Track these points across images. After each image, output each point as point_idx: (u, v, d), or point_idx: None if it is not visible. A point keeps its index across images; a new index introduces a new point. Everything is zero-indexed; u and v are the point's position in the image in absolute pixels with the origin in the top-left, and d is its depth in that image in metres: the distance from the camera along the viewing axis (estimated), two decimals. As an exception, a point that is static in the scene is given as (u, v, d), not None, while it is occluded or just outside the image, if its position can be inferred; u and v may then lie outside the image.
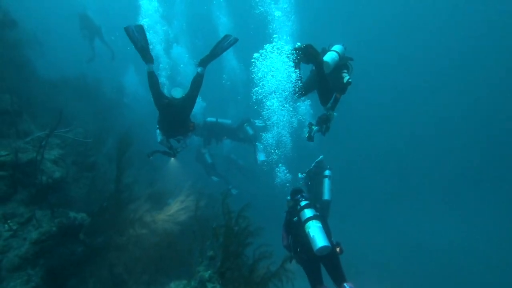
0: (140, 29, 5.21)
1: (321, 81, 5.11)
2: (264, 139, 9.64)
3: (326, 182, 7.92)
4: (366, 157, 27.29)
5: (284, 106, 7.92)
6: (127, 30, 5.15)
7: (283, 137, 9.14)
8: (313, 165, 8.61)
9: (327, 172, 8.04)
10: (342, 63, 5.39)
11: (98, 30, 12.53)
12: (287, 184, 10.01)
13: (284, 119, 8.52)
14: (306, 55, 4.82)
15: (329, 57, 5.09)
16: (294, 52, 4.84)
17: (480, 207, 20.15)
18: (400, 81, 31.49)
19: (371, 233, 16.39)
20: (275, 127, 8.76)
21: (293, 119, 8.63)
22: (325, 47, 5.53)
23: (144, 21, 10.15)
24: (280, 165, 10.14)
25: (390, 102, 31.35)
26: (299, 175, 9.03)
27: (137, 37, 5.19)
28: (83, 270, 4.72)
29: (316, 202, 7.97)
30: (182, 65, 14.52)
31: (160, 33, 10.34)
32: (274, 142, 9.43)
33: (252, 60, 5.78)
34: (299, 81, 5.35)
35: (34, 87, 8.20)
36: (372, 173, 25.07)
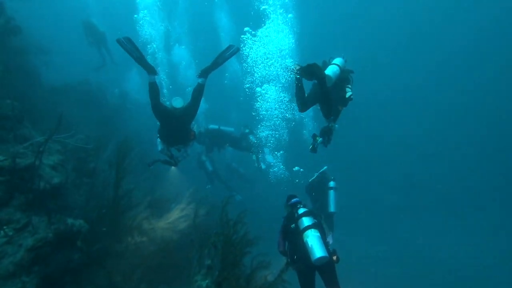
0: (129, 40, 5.20)
1: (324, 96, 5.15)
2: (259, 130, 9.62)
3: (332, 193, 7.93)
4: (370, 166, 27.11)
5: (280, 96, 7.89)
6: (119, 42, 5.16)
7: (278, 121, 9.11)
8: (316, 175, 8.57)
9: (332, 184, 8.05)
10: (343, 76, 5.46)
11: (102, 36, 12.61)
12: (282, 175, 9.92)
13: (278, 109, 8.48)
14: (310, 73, 4.82)
15: (331, 70, 5.16)
16: (297, 71, 4.84)
17: (488, 221, 19.74)
18: (408, 91, 31.36)
19: (374, 244, 16.20)
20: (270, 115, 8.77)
21: (289, 114, 8.62)
22: (326, 60, 5.63)
23: (142, 14, 10.17)
24: (274, 152, 10.09)
25: (397, 111, 31.24)
26: (296, 168, 8.96)
27: (130, 48, 5.20)
28: (80, 278, 4.64)
29: (321, 213, 7.96)
30: (184, 62, 14.55)
31: (159, 27, 10.36)
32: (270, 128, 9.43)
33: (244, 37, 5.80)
34: (303, 95, 5.39)
35: (37, 93, 8.22)
36: (377, 183, 24.87)
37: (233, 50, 5.66)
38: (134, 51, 5.21)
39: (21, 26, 8.25)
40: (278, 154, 10.34)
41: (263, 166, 10.22)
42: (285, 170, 10.33)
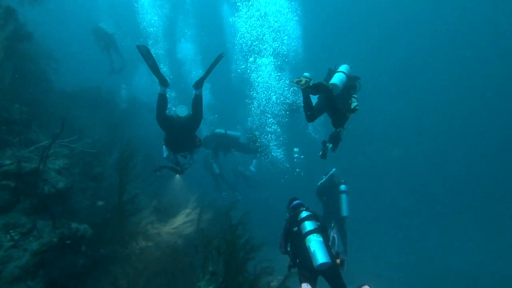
0: (146, 49, 5.33)
1: (332, 109, 5.31)
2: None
3: (344, 197, 7.85)
4: (381, 169, 26.79)
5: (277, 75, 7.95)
6: (138, 48, 5.31)
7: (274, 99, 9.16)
8: (325, 178, 8.45)
9: (343, 187, 7.95)
10: (350, 83, 5.50)
11: (112, 38, 12.74)
12: (287, 165, 9.85)
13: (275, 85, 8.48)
14: (316, 90, 4.89)
15: (337, 79, 5.21)
16: (302, 86, 4.88)
17: (504, 226, 19.18)
18: (421, 95, 30.94)
19: (387, 248, 15.96)
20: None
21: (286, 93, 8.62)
22: (332, 67, 5.67)
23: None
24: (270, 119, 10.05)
25: (411, 113, 30.86)
26: (295, 149, 8.92)
27: (148, 56, 5.33)
28: (85, 283, 4.64)
29: (333, 218, 7.85)
30: (181, 49, 14.56)
31: (158, 12, 10.46)
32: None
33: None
34: (310, 106, 5.44)
35: (48, 98, 8.33)
36: (388, 187, 24.54)
37: (221, 55, 5.74)
38: (150, 60, 5.34)
39: (33, 32, 8.37)
40: (278, 129, 10.31)
41: (253, 169, 10.25)
42: (286, 161, 10.26)
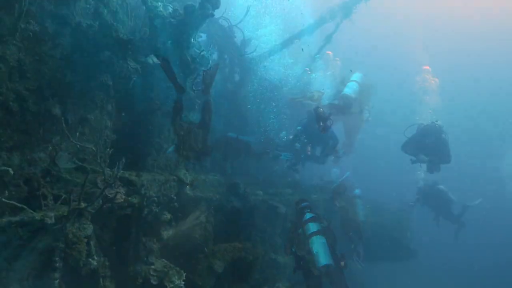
0: (168, 63, 5.48)
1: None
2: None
3: (358, 203, 7.73)
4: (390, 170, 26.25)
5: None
6: (159, 59, 5.52)
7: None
8: (339, 182, 8.33)
9: (357, 192, 7.85)
10: (364, 91, 5.58)
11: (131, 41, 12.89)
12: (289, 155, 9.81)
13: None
14: (328, 108, 5.16)
15: (351, 89, 5.25)
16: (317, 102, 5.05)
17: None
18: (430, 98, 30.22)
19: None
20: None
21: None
22: (345, 75, 5.68)
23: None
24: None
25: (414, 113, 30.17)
26: (298, 128, 8.90)
27: (168, 69, 5.50)
28: (93, 284, 4.67)
29: (351, 222, 7.75)
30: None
31: None
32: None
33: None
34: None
35: (66, 98, 8.44)
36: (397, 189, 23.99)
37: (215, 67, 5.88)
38: (170, 72, 5.49)
39: (55, 33, 8.50)
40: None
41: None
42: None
